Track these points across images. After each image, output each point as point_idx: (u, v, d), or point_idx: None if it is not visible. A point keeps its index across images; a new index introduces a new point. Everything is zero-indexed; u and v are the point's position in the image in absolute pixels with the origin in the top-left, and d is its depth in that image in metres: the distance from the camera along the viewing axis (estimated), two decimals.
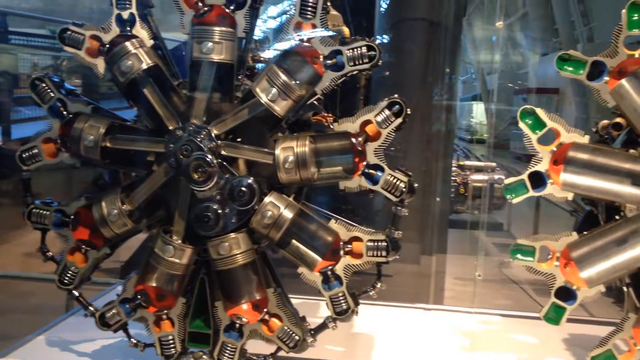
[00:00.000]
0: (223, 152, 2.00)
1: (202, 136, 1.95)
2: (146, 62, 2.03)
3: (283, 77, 1.93)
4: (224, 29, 1.96)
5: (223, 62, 1.98)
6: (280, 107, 1.95)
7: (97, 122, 2.07)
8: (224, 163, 1.97)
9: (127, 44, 2.03)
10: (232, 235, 2.03)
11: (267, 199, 1.99)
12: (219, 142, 1.99)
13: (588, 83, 1.97)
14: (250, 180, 1.93)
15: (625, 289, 2.06)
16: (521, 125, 1.99)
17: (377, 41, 1.94)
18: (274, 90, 1.93)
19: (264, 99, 1.94)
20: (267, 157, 1.98)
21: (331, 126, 2.03)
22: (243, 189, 1.92)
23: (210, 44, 1.95)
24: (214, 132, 1.99)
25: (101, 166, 2.14)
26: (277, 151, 1.95)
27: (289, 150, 1.95)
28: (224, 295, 2.09)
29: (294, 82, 1.93)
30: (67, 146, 2.14)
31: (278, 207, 1.98)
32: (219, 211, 1.95)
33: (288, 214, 1.98)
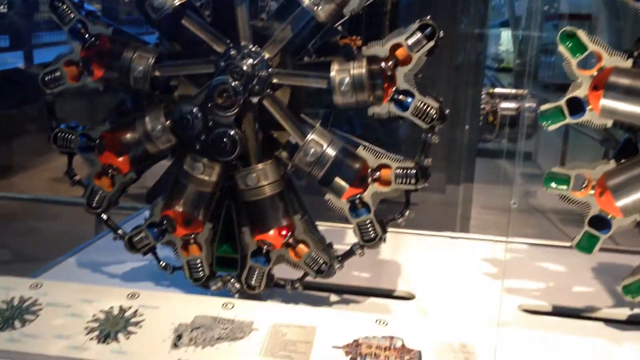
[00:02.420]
0: (275, 81, 1.95)
1: (255, 62, 1.91)
2: None
3: None
4: None
5: None
6: (323, 12, 1.87)
7: (146, 52, 2.03)
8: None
9: None
10: (260, 166, 2.01)
11: (310, 136, 1.95)
12: (271, 70, 1.94)
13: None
14: (232, 132, 1.91)
15: None
16: (561, 48, 1.89)
17: None
18: None
19: (306, 2, 1.86)
20: (321, 81, 1.92)
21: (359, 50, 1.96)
22: (225, 140, 1.91)
23: None
24: (266, 55, 1.94)
25: (142, 91, 2.09)
26: (333, 73, 1.89)
27: (344, 72, 1.88)
28: (251, 223, 2.09)
29: None
30: (89, 69, 2.11)
31: (321, 145, 1.94)
32: (199, 115, 1.93)
33: (331, 152, 1.94)
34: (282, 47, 1.95)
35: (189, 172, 2.05)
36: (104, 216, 2.24)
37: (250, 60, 1.91)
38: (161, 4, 1.95)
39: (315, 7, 1.86)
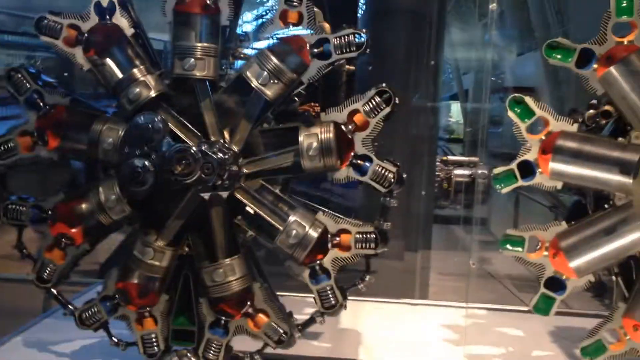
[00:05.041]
0: (245, 170, 1.96)
1: (226, 157, 1.89)
2: (155, 90, 1.96)
3: (274, 60, 1.89)
4: (205, 45, 1.92)
5: (206, 79, 1.94)
6: (270, 91, 1.90)
7: (115, 125, 2.00)
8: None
9: (135, 71, 1.96)
10: (227, 261, 1.97)
11: (291, 218, 1.93)
12: (240, 161, 1.95)
13: (577, 71, 1.95)
14: (147, 163, 1.85)
15: (614, 278, 2.06)
16: (510, 114, 1.97)
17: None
18: (265, 73, 1.88)
19: (254, 82, 1.89)
20: (290, 156, 1.92)
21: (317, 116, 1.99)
22: (139, 171, 1.85)
23: (192, 60, 1.91)
24: (235, 148, 1.94)
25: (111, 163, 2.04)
26: (301, 138, 1.89)
27: (312, 137, 1.89)
28: (211, 302, 2.04)
29: (285, 66, 1.89)
30: (44, 139, 2.08)
31: (304, 227, 1.92)
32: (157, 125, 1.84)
33: (314, 234, 1.92)
34: (247, 136, 1.96)
35: (139, 258, 2.00)
36: (54, 290, 2.15)
37: (221, 155, 1.89)
38: (136, 96, 1.95)
39: (263, 87, 1.89)
